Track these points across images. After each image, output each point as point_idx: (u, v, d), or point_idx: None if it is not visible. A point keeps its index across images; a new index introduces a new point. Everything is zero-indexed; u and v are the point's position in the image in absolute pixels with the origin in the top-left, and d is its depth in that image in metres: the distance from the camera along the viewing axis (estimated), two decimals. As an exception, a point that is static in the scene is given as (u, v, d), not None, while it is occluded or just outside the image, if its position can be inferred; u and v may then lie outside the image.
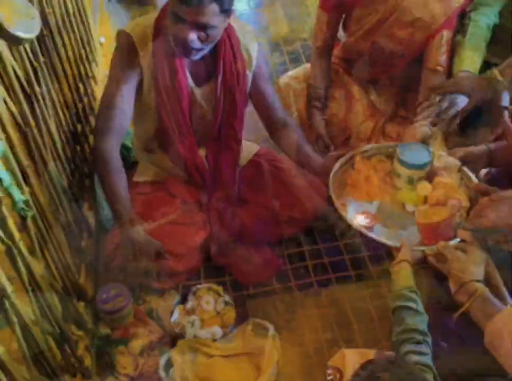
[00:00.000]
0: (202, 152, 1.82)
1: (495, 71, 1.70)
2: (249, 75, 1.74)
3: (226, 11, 1.47)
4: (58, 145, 1.52)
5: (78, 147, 1.82)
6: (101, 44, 2.78)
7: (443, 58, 1.82)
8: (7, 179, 0.94)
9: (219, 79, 1.67)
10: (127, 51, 1.60)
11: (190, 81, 1.67)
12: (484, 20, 1.82)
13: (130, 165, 1.88)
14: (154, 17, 1.60)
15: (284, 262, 1.85)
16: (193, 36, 1.46)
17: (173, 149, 1.74)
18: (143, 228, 1.59)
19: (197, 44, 1.50)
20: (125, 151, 1.93)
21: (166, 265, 1.65)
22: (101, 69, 2.56)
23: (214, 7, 1.42)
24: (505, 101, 1.73)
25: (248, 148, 1.96)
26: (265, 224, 1.85)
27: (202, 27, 1.45)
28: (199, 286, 1.71)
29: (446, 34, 1.80)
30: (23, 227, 1.08)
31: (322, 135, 1.98)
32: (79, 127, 1.83)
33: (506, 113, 1.77)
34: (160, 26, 1.58)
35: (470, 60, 1.79)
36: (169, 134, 1.70)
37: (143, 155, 1.85)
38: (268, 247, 1.87)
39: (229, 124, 1.78)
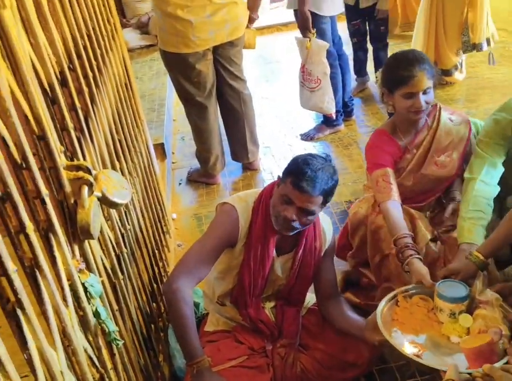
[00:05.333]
0: (269, 305, 2.02)
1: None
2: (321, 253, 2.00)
3: (326, 203, 1.79)
4: (139, 297, 1.79)
5: (154, 305, 2.09)
6: (173, 219, 3.20)
7: None
8: (104, 314, 1.20)
9: (300, 253, 1.93)
10: (229, 219, 1.85)
11: (274, 251, 1.91)
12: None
13: (198, 319, 2.10)
14: (255, 196, 1.90)
15: (347, 403, 1.92)
16: (297, 219, 1.76)
17: (242, 305, 1.94)
18: (211, 369, 1.74)
19: (298, 225, 1.79)
20: (194, 307, 2.17)
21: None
22: (173, 240, 2.92)
23: (320, 198, 1.74)
24: None
25: (308, 298, 2.14)
26: (326, 369, 1.96)
27: (306, 213, 1.76)
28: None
29: None
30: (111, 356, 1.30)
31: (424, 278, 1.86)
32: (155, 285, 2.12)
33: None
34: (261, 202, 1.87)
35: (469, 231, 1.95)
36: (243, 292, 1.92)
37: (214, 308, 2.04)
38: (330, 391, 1.96)
39: (298, 289, 2.01)
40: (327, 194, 1.74)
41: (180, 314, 1.73)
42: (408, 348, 1.61)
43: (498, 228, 1.82)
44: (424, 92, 2.04)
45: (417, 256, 1.87)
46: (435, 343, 1.66)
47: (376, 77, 2.24)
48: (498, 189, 2.08)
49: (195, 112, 3.33)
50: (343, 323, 1.94)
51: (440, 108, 2.23)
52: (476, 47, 4.12)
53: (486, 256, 1.79)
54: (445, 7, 4.12)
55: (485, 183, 2.04)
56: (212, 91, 3.27)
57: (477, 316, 1.65)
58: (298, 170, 1.71)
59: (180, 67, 3.14)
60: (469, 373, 1.42)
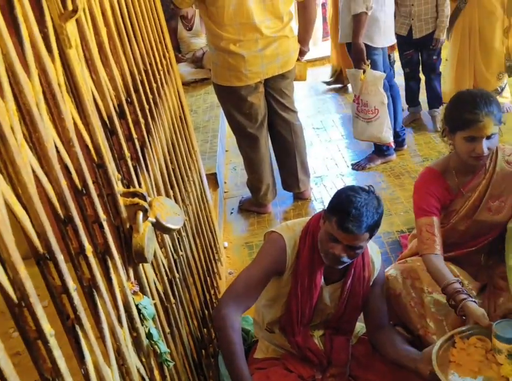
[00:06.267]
0: (317, 333, 2.01)
1: None
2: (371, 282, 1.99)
3: (373, 235, 1.80)
4: (190, 322, 1.83)
5: (205, 330, 2.12)
6: (225, 247, 3.25)
7: None
8: (156, 335, 1.24)
9: (348, 282, 1.94)
10: (276, 248, 1.87)
11: (322, 280, 1.91)
12: None
13: (248, 346, 2.12)
14: (302, 225, 1.93)
15: None
16: (345, 254, 1.77)
17: (290, 332, 1.95)
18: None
19: (347, 259, 1.80)
20: (244, 333, 2.20)
21: None
22: (225, 267, 2.97)
23: (367, 235, 1.74)
24: None
25: (358, 327, 2.12)
26: (377, 400, 1.94)
27: (354, 249, 1.77)
28: None
29: None
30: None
31: (481, 319, 1.77)
32: (206, 312, 2.16)
33: None
34: (308, 232, 1.89)
35: None
36: (291, 321, 1.93)
37: (264, 335, 2.05)
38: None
39: (347, 318, 2.00)
40: (373, 229, 1.74)
41: (228, 340, 1.76)
42: None
43: None
44: (488, 138, 1.92)
45: (471, 299, 1.81)
46: None
47: (438, 111, 2.18)
48: None
49: (246, 143, 3.40)
50: (394, 354, 1.91)
51: (497, 149, 2.10)
52: None
53: None
54: (481, 32, 4.19)
55: None
56: (264, 123, 3.34)
57: None
58: (341, 210, 1.71)
59: (232, 100, 3.23)
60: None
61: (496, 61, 4.27)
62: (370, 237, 1.76)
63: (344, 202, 1.72)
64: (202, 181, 2.73)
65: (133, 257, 1.16)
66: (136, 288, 1.18)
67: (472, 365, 1.66)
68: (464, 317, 1.82)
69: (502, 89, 4.40)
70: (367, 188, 1.78)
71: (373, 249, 2.01)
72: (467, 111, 1.90)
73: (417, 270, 2.14)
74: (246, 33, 3.00)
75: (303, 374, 1.95)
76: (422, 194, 2.11)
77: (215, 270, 2.61)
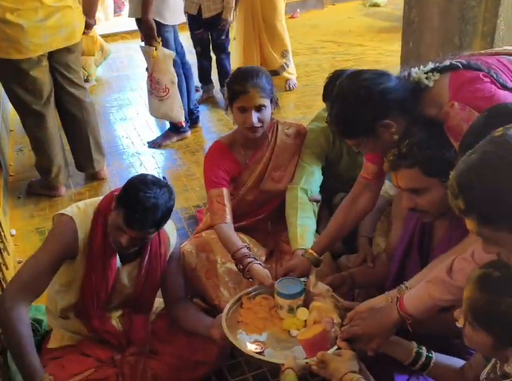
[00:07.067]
0: (115, 314, 1.97)
1: None
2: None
3: (160, 228, 1.78)
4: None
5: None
6: (12, 235, 3.00)
7: None
8: None
9: (145, 260, 1.91)
10: (66, 231, 1.78)
11: (118, 261, 1.88)
12: None
13: (42, 336, 1.99)
14: (94, 206, 1.83)
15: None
16: (131, 244, 1.74)
17: (87, 317, 1.88)
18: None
19: (133, 249, 1.79)
20: (36, 324, 2.05)
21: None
22: (13, 257, 2.74)
23: (153, 230, 1.72)
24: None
25: (157, 304, 2.12)
26: (177, 371, 1.96)
27: (140, 240, 1.75)
28: None
29: None
30: None
31: (265, 279, 1.91)
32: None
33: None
34: (100, 213, 1.81)
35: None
36: (86, 305, 1.85)
37: (58, 323, 1.94)
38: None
39: (146, 296, 1.99)
40: (160, 223, 1.74)
41: (14, 334, 1.65)
42: (251, 348, 1.66)
43: (328, 227, 1.98)
44: (259, 110, 2.07)
45: (256, 262, 1.94)
46: (276, 339, 1.73)
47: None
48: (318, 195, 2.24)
49: (32, 121, 3.16)
50: (191, 324, 1.97)
51: (277, 124, 2.28)
52: None
53: (319, 253, 1.93)
54: (263, 13, 4.51)
55: (304, 190, 2.18)
56: (50, 99, 3.12)
57: (312, 308, 1.75)
58: (129, 206, 1.68)
59: (12, 74, 2.96)
60: (306, 362, 1.53)
61: (278, 40, 4.61)
62: (157, 230, 1.77)
63: (132, 198, 1.68)
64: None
65: None
66: None
67: (258, 323, 1.78)
68: (251, 280, 1.95)
69: (288, 66, 4.75)
70: (160, 180, 1.76)
71: (168, 225, 2.01)
72: (237, 83, 2.08)
73: (211, 243, 2.23)
74: (25, 1, 2.78)
75: (101, 356, 1.91)
76: (211, 167, 2.19)
77: (1, 261, 2.39)
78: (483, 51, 1.78)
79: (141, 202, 1.66)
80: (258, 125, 2.09)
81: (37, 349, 1.76)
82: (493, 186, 1.00)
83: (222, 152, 2.23)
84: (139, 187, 1.69)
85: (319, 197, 2.29)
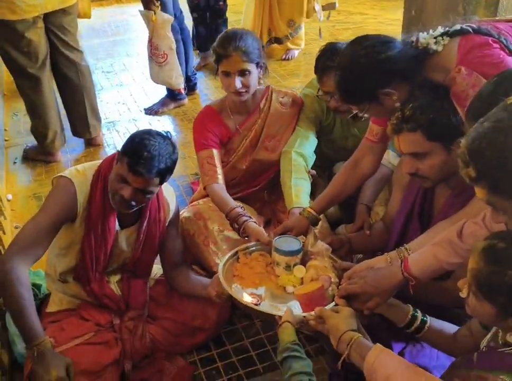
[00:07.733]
0: (114, 278, 1.97)
1: None
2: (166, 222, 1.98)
3: (164, 181, 1.75)
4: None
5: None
6: (8, 200, 2.98)
7: None
8: None
9: (144, 225, 1.90)
10: (66, 193, 1.76)
11: (117, 225, 1.87)
12: None
13: (40, 301, 1.99)
14: (94, 168, 1.81)
15: (197, 367, 1.97)
16: (133, 198, 1.70)
17: (85, 280, 1.88)
18: (53, 349, 1.67)
19: (135, 204, 1.74)
20: (35, 288, 2.06)
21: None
22: (9, 221, 2.73)
23: (157, 180, 1.69)
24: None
25: (155, 270, 2.13)
26: (175, 336, 1.99)
27: (143, 192, 1.71)
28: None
29: None
30: None
31: (262, 236, 1.92)
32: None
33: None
34: (100, 175, 1.79)
35: None
36: (85, 268, 1.85)
37: (57, 286, 1.94)
38: (180, 357, 1.99)
39: (144, 261, 1.98)
40: (164, 175, 1.72)
41: (15, 295, 1.64)
42: (247, 299, 1.67)
43: (328, 187, 1.97)
44: (242, 74, 2.04)
45: (252, 220, 1.94)
46: (272, 294, 1.74)
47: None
48: (313, 158, 2.23)
49: (27, 85, 3.10)
50: (189, 287, 1.98)
51: (272, 91, 2.25)
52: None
53: (317, 212, 1.92)
54: None
55: (298, 153, 2.17)
56: (46, 62, 3.06)
57: (310, 266, 1.77)
58: (134, 152, 1.67)
59: (6, 36, 2.90)
60: (304, 316, 1.53)
61: (287, 10, 4.51)
62: (161, 183, 1.75)
63: (137, 144, 1.68)
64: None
65: None
66: None
67: (254, 278, 1.78)
68: (247, 238, 1.95)
69: (292, 36, 4.67)
70: (164, 133, 1.76)
71: (168, 190, 2.01)
72: (220, 47, 2.04)
73: (208, 211, 2.23)
74: (18, -40, 2.69)
75: (100, 321, 1.92)
76: (200, 130, 2.19)
77: (-2, 225, 2.38)
78: (497, 17, 1.75)
79: (146, 148, 1.66)
80: (242, 90, 2.06)
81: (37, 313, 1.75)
82: (506, 153, 0.99)
83: (211, 116, 2.21)
84: (144, 136, 1.70)
85: (313, 171, 2.29)
